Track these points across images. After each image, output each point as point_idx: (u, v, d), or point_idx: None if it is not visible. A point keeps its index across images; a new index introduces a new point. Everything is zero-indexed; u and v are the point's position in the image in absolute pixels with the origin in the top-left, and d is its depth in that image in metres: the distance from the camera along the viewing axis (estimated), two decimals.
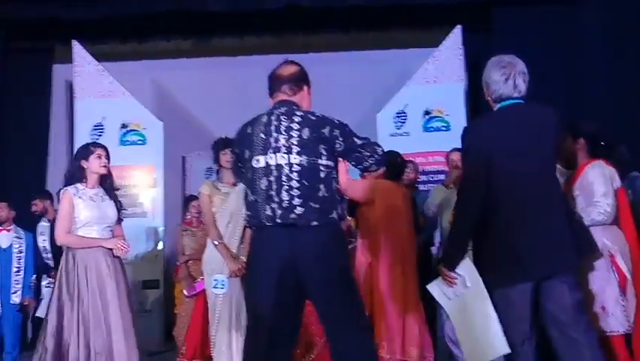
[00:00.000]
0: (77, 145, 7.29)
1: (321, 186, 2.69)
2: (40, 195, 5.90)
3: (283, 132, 2.70)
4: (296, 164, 2.67)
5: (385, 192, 3.79)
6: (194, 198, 5.72)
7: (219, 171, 4.10)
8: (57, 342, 3.47)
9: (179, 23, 7.97)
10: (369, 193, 3.77)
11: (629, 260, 3.19)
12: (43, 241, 5.60)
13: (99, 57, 7.56)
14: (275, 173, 2.66)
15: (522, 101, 2.82)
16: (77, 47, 7.40)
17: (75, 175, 3.73)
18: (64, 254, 3.71)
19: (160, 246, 7.07)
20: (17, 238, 5.28)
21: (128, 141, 7.27)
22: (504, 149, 2.68)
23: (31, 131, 7.99)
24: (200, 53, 8.45)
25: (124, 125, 7.27)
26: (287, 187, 2.64)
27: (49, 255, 5.49)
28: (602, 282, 3.12)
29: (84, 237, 3.59)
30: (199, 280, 4.98)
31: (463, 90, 7.14)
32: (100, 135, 7.22)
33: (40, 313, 5.14)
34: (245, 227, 3.91)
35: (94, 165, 3.73)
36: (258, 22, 7.92)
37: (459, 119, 6.87)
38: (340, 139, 2.76)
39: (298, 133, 2.70)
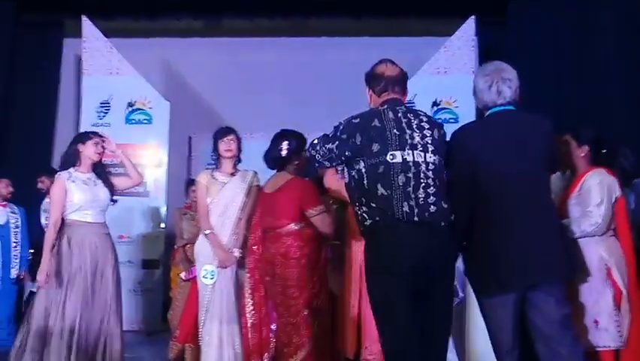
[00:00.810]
0: (83, 121, 7.38)
1: (444, 188, 2.68)
2: (46, 172, 5.90)
3: (416, 130, 2.68)
4: (431, 162, 2.64)
5: None
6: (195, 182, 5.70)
7: (218, 159, 4.05)
8: (44, 323, 3.54)
9: (191, 2, 7.90)
10: None
11: (625, 273, 3.14)
12: (46, 219, 5.61)
13: (108, 33, 7.51)
14: (413, 170, 2.61)
15: (512, 108, 2.78)
16: (87, 23, 7.35)
17: (69, 159, 3.81)
18: (57, 236, 3.76)
19: (162, 226, 7.07)
20: (12, 213, 5.37)
21: (133, 119, 7.24)
22: (490, 154, 2.65)
23: (39, 106, 8.01)
24: (210, 33, 8.39)
25: (130, 104, 7.24)
26: (424, 184, 2.60)
27: None
28: (597, 295, 3.07)
29: (49, 245, 3.62)
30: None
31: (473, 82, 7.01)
32: (106, 113, 7.22)
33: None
34: (239, 218, 3.89)
35: (89, 150, 3.80)
36: (270, 5, 7.82)
37: (468, 112, 6.74)
38: (445, 143, 2.78)
39: (430, 132, 2.70)
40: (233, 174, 4.02)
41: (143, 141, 7.14)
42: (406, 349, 2.51)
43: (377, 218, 2.61)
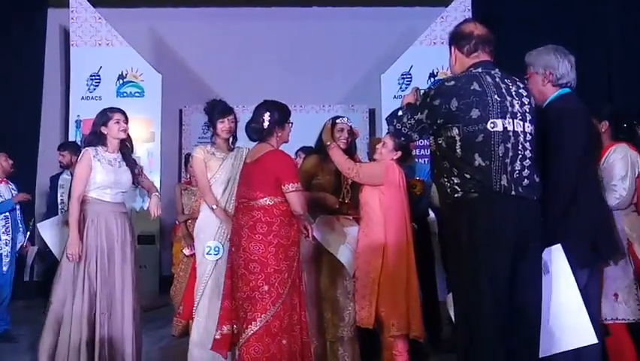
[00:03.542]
0: (73, 94, 7.19)
1: (537, 160, 2.54)
2: (68, 146, 5.76)
3: (515, 97, 2.51)
4: (529, 133, 2.50)
5: (393, 173, 3.75)
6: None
7: (214, 137, 3.93)
8: (63, 299, 3.55)
9: None
10: (383, 176, 3.73)
11: None
12: (62, 195, 5.51)
13: (95, 3, 7.31)
14: (512, 140, 2.45)
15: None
16: None
17: (93, 142, 3.72)
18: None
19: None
20: (13, 190, 5.31)
21: (125, 92, 7.09)
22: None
23: (23, 79, 7.77)
24: (200, 2, 8.20)
25: (121, 76, 7.08)
26: (521, 156, 2.46)
27: (66, 207, 5.37)
28: (618, 269, 3.08)
29: (75, 219, 3.56)
30: None
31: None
32: (96, 86, 7.06)
33: None
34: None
35: (113, 131, 3.72)
36: None
37: None
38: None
39: (528, 100, 2.55)
40: (230, 150, 3.92)
41: (134, 114, 6.91)
42: (497, 328, 2.39)
43: (472, 190, 2.46)
